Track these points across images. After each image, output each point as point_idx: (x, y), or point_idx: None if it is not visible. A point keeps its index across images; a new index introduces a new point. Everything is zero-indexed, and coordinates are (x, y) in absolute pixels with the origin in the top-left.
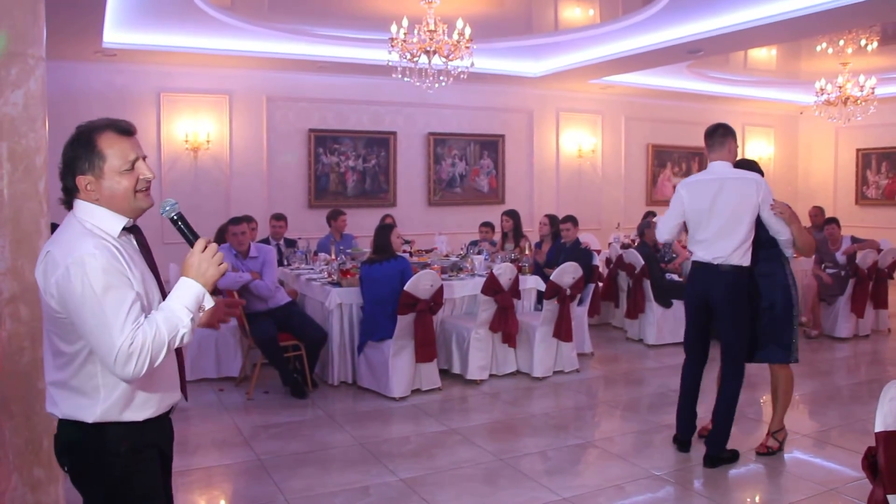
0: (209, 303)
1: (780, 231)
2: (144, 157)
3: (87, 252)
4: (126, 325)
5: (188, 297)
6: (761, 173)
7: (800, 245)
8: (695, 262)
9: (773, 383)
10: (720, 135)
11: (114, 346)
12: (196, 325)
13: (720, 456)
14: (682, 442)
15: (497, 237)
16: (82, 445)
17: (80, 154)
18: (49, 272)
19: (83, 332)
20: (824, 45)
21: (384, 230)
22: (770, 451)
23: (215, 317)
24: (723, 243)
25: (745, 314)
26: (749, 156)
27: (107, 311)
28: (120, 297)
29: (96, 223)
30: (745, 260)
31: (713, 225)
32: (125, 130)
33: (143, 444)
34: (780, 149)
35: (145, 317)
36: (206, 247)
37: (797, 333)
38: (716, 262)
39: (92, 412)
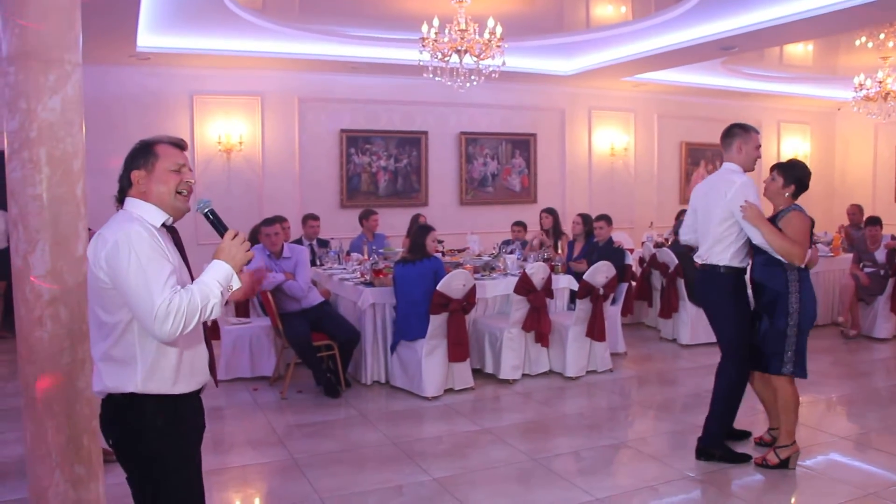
0: (237, 283)
1: (751, 234)
2: (190, 169)
3: (133, 229)
4: (165, 288)
5: (219, 274)
6: (802, 176)
7: (776, 250)
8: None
9: (765, 392)
10: (726, 135)
11: (154, 305)
12: (226, 299)
13: (708, 450)
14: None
15: (528, 236)
16: (122, 419)
17: (137, 154)
18: (99, 247)
19: (127, 297)
20: (864, 39)
21: (423, 231)
22: (766, 464)
23: (246, 286)
24: (704, 242)
25: (729, 313)
26: (784, 153)
27: (149, 276)
28: (160, 266)
29: (141, 214)
30: (723, 259)
31: (700, 224)
32: (178, 144)
33: (176, 418)
34: (817, 146)
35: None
36: (235, 236)
37: (796, 344)
38: (700, 261)
39: (133, 381)
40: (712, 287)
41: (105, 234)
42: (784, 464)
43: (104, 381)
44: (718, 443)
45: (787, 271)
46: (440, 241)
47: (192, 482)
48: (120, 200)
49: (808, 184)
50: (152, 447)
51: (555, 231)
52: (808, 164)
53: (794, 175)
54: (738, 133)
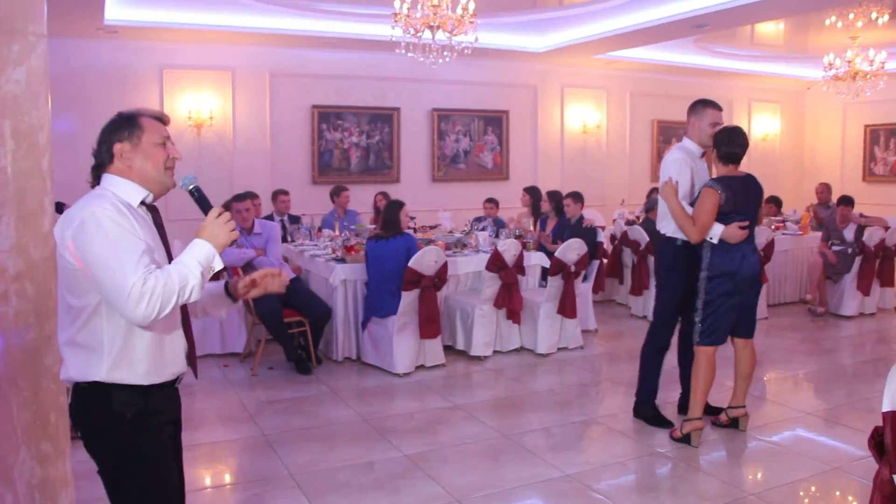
0: (218, 264)
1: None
2: (173, 144)
3: (99, 206)
4: (138, 266)
5: (200, 254)
6: (720, 140)
7: (678, 225)
8: None
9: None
10: (688, 112)
11: (126, 285)
12: (206, 280)
13: (638, 410)
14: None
15: (516, 213)
16: (91, 409)
17: (120, 126)
18: (65, 227)
19: (97, 278)
20: (833, 18)
21: (394, 206)
22: (672, 437)
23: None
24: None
25: (662, 281)
26: (755, 132)
27: (120, 254)
28: (132, 244)
29: (117, 191)
30: (668, 230)
31: None
32: (161, 118)
33: (148, 410)
34: (787, 125)
35: None
36: (219, 214)
37: (698, 315)
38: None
39: (98, 369)
40: (658, 255)
41: (71, 213)
42: (686, 439)
43: (69, 368)
44: (643, 403)
45: (703, 248)
46: (412, 218)
47: (166, 479)
48: (96, 177)
49: (729, 149)
50: (121, 441)
51: (534, 210)
52: (778, 142)
53: (716, 140)
54: (695, 109)
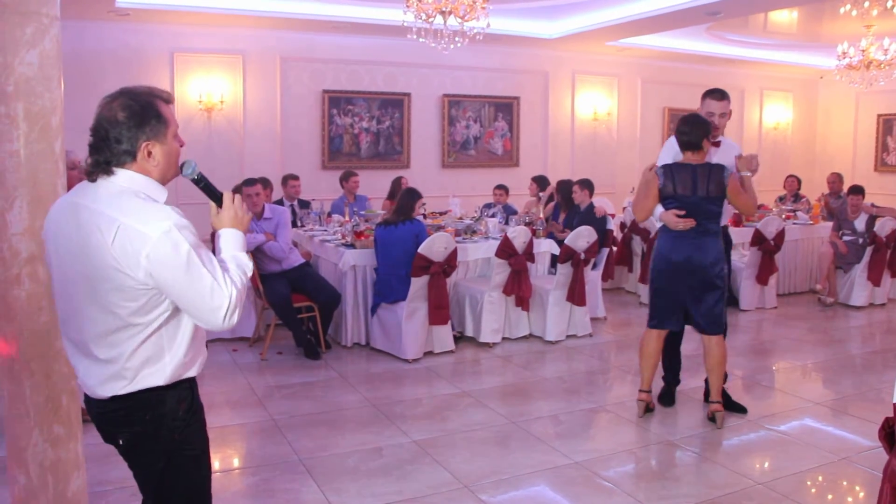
0: (247, 246)
1: None
2: None
3: (176, 220)
4: (225, 279)
5: (238, 243)
6: (677, 126)
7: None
8: None
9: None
10: None
11: (224, 300)
12: None
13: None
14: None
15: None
16: (140, 414)
17: (148, 119)
18: (138, 246)
19: (184, 296)
20: (848, 6)
21: (412, 195)
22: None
23: None
24: None
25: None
26: (766, 121)
27: (210, 271)
28: (210, 256)
29: (149, 193)
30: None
31: None
32: (168, 100)
33: (194, 403)
34: (799, 114)
35: None
36: (234, 199)
37: (650, 297)
38: None
39: (161, 375)
40: None
41: (138, 227)
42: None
43: (129, 382)
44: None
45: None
46: (423, 204)
47: (208, 471)
48: (105, 171)
49: (680, 136)
50: (173, 440)
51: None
52: (790, 131)
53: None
54: (701, 99)
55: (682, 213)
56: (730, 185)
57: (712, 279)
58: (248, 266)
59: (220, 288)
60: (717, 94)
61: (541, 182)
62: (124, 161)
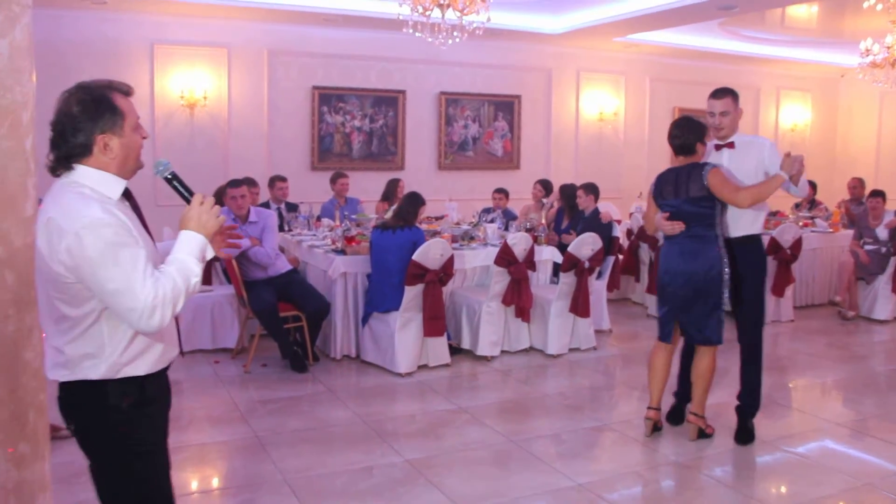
0: (210, 253)
1: None
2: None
3: (96, 216)
4: (146, 279)
5: (193, 247)
6: (668, 133)
7: None
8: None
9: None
10: None
11: (138, 302)
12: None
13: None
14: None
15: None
16: (86, 403)
17: (100, 112)
18: (56, 239)
19: (101, 294)
20: (872, 0)
21: (416, 200)
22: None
23: (216, 246)
24: None
25: None
26: (783, 122)
27: (126, 270)
28: (135, 255)
29: (95, 187)
30: None
31: None
32: (128, 92)
33: (144, 399)
34: (818, 115)
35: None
36: (203, 200)
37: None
38: None
39: (97, 370)
40: None
41: (60, 222)
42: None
43: (69, 371)
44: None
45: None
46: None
47: (161, 467)
48: (65, 167)
49: (672, 138)
50: (117, 433)
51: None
52: (808, 133)
53: None
54: None
55: (667, 214)
56: (710, 179)
57: (704, 287)
58: (194, 272)
59: (132, 289)
60: (716, 93)
61: (546, 186)
62: (82, 155)
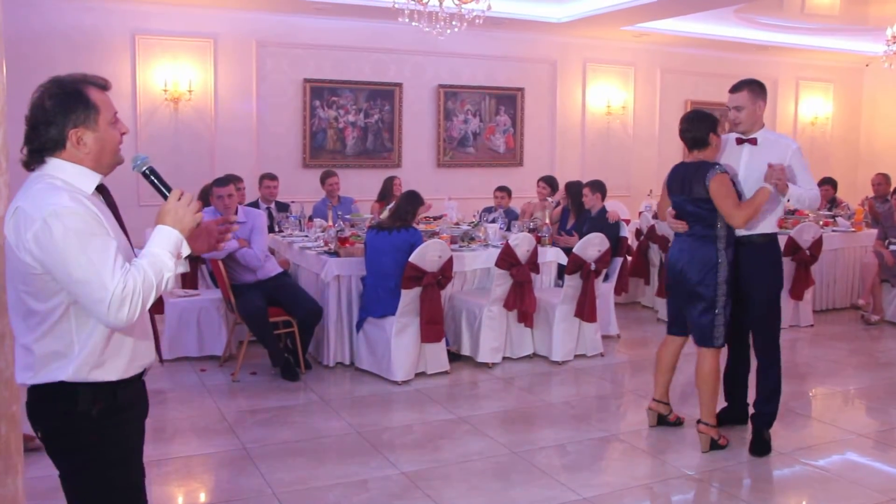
0: (186, 250)
1: None
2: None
3: (63, 204)
4: (116, 269)
5: (168, 242)
6: (679, 128)
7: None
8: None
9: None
10: None
11: (106, 292)
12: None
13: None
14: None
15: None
16: (52, 409)
17: (73, 106)
18: (23, 227)
19: (68, 284)
20: None
21: (412, 199)
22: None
23: (212, 238)
24: None
25: None
26: (803, 115)
27: (93, 259)
28: (104, 244)
29: (68, 180)
30: None
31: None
32: (104, 86)
33: (116, 406)
34: (840, 107)
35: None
36: (181, 196)
37: None
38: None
39: (65, 370)
40: None
41: (27, 210)
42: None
43: (35, 369)
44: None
45: None
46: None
47: (132, 478)
48: (38, 161)
49: (683, 132)
50: (87, 441)
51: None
52: (830, 126)
53: None
54: None
55: (673, 212)
56: (711, 185)
57: (695, 288)
58: (167, 266)
59: (100, 279)
60: (733, 86)
61: (551, 183)
62: (55, 149)
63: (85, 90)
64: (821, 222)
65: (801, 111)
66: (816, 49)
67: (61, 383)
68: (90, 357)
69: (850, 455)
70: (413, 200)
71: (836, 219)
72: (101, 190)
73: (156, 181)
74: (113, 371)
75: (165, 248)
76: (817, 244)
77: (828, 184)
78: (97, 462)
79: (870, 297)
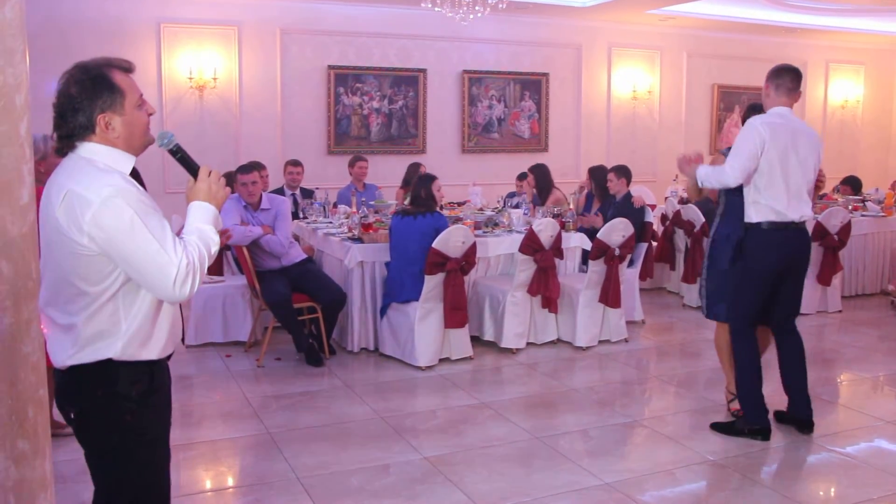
0: (220, 224)
1: None
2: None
3: (120, 185)
4: (176, 245)
5: (208, 216)
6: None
7: None
8: (770, 224)
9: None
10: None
11: (172, 267)
12: None
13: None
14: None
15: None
16: (90, 388)
17: (99, 91)
18: (78, 210)
19: (131, 263)
20: None
21: (425, 180)
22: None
23: None
24: (806, 200)
25: None
26: (833, 98)
27: (157, 236)
28: (161, 222)
29: (110, 163)
30: None
31: (793, 179)
32: (128, 69)
33: (152, 387)
34: (872, 90)
35: None
36: (210, 172)
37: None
38: (802, 221)
39: (113, 347)
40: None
41: (81, 192)
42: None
43: (77, 352)
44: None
45: None
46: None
47: (163, 460)
48: (70, 146)
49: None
50: (124, 421)
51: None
52: (860, 111)
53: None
54: None
55: None
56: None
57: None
58: (214, 240)
59: (166, 254)
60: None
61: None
62: (84, 135)
63: (109, 74)
64: (850, 207)
65: (830, 94)
66: (847, 30)
67: (104, 363)
68: (138, 334)
69: (879, 442)
70: (425, 182)
71: (866, 203)
72: (132, 174)
73: (184, 158)
74: (155, 349)
75: (207, 222)
76: (846, 229)
77: (847, 184)
78: (129, 442)
79: None
